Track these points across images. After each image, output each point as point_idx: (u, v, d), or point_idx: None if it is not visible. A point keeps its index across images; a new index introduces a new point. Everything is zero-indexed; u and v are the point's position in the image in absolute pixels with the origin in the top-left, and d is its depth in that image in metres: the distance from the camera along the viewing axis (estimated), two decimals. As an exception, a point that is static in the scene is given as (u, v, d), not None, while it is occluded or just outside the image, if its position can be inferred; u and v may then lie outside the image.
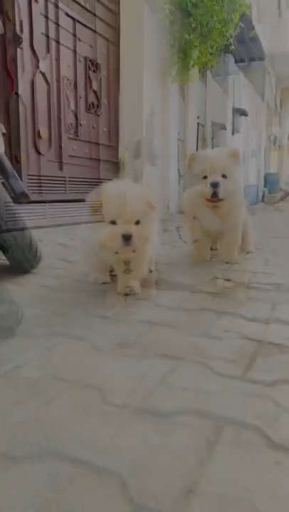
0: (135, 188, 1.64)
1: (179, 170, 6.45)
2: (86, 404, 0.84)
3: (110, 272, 1.90)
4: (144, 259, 1.75)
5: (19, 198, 1.91)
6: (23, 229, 1.90)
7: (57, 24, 4.15)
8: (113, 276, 1.89)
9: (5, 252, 1.94)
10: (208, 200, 2.26)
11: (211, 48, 5.97)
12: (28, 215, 4.06)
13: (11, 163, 1.95)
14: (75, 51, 4.52)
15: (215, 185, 2.19)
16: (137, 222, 1.55)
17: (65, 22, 4.28)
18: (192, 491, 0.61)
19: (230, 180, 2.22)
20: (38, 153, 4.08)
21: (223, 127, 8.77)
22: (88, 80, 4.78)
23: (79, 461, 0.67)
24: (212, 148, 6.58)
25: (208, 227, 2.45)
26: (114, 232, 1.52)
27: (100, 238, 1.55)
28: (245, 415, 0.81)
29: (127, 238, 1.50)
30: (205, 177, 2.23)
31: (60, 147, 4.36)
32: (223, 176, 2.21)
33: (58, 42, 4.19)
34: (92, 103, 4.89)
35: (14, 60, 3.69)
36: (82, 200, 1.71)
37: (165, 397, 0.87)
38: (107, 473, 0.65)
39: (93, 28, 4.78)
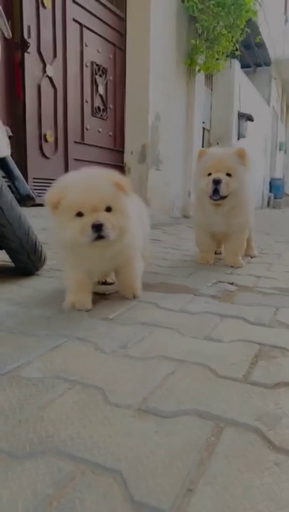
0: (99, 172, 1.40)
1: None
2: (88, 404, 0.85)
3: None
4: (133, 254, 1.56)
5: (24, 200, 1.93)
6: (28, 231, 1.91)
7: (64, 29, 4.20)
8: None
9: (9, 253, 1.95)
10: (210, 197, 2.26)
11: (217, 53, 6.00)
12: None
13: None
14: (81, 56, 4.56)
15: (217, 182, 2.20)
16: (108, 209, 1.34)
17: (72, 27, 4.33)
18: (192, 490, 0.61)
19: (234, 179, 2.22)
20: (44, 156, 4.11)
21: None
22: (94, 84, 4.81)
23: (80, 460, 0.68)
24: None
25: (212, 228, 2.45)
26: (82, 223, 1.30)
27: (68, 235, 1.33)
28: (245, 417, 0.81)
29: (97, 228, 1.29)
30: (210, 174, 2.24)
31: (66, 151, 4.39)
32: (228, 175, 2.22)
33: (64, 47, 4.23)
34: (98, 107, 4.92)
35: (21, 64, 3.73)
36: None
37: (166, 398, 0.88)
38: (108, 471, 0.65)
39: (100, 33, 4.82)
